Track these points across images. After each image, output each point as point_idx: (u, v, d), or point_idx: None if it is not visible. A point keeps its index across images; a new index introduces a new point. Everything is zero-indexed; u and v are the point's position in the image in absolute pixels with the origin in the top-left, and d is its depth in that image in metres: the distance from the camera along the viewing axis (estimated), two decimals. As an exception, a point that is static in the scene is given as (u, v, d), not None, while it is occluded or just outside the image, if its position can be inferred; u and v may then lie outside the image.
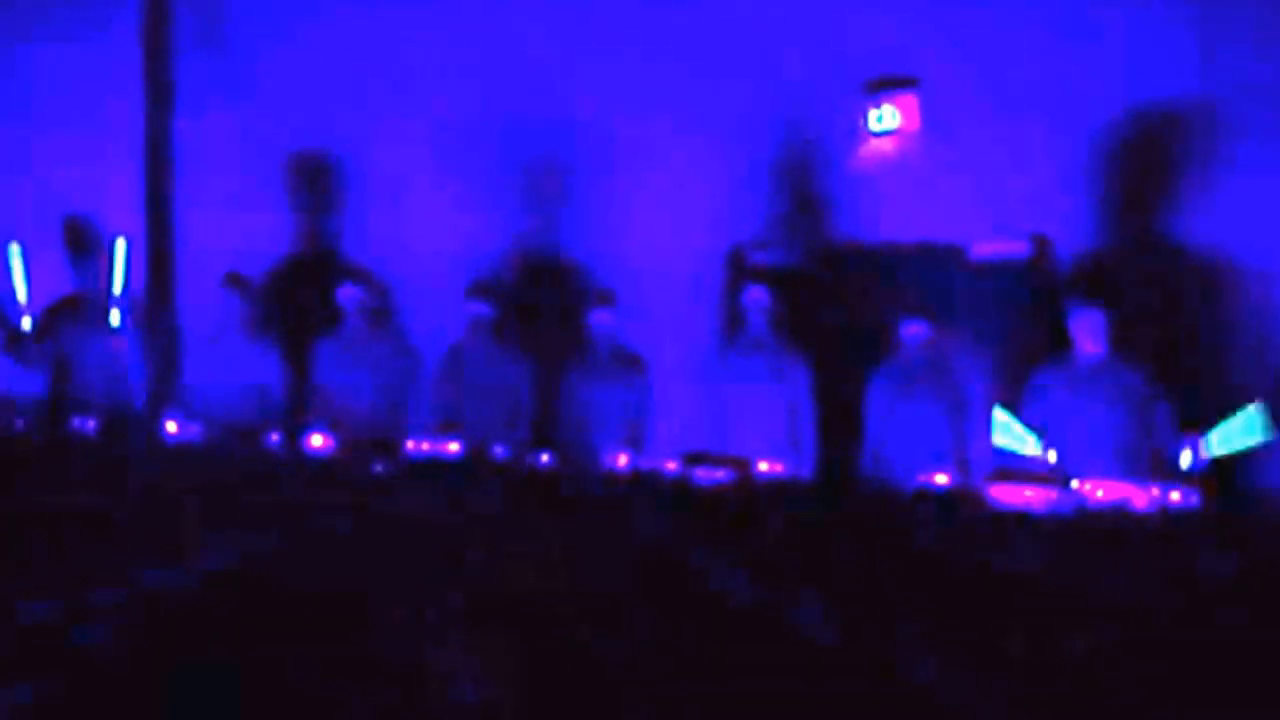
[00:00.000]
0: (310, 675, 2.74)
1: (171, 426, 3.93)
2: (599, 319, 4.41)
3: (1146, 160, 4.44)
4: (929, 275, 4.65)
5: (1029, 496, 3.02)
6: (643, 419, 4.41)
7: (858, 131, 4.80)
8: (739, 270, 4.93)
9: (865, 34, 4.74)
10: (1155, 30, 4.37)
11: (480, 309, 4.51)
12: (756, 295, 4.38)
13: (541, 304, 5.03)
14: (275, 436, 3.88)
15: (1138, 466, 3.60)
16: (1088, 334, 3.84)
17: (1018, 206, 4.60)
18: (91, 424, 3.98)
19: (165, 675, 2.74)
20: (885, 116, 4.73)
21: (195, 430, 3.93)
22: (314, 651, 2.82)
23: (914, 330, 4.12)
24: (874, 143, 4.80)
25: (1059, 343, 3.98)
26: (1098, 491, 3.04)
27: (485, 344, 4.52)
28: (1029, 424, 3.86)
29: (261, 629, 2.98)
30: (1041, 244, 4.58)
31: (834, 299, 4.81)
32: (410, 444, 3.79)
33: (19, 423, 4.05)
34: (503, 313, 4.55)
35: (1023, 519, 2.98)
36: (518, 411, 4.46)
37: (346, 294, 4.49)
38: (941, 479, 3.40)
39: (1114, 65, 4.42)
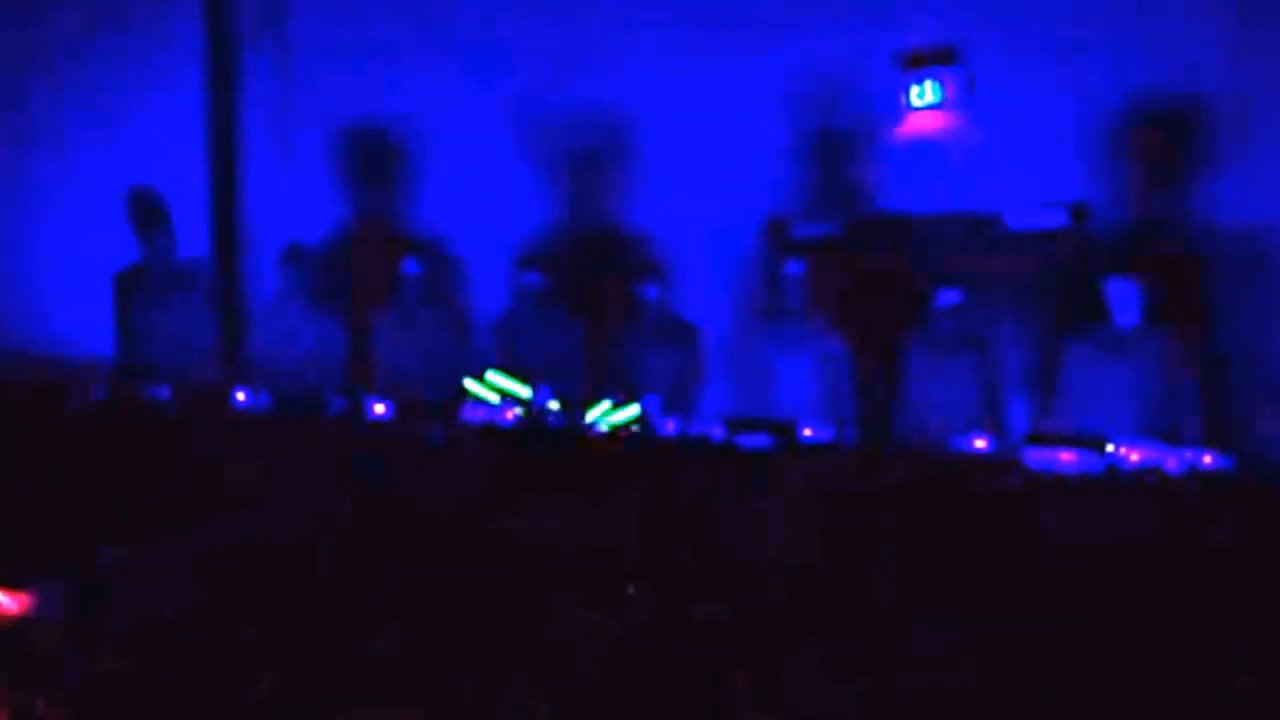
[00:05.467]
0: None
1: (240, 396, 4.12)
2: (650, 290, 4.55)
3: (1181, 132, 4.46)
4: (967, 245, 4.73)
5: (1064, 460, 3.12)
6: (693, 386, 4.55)
7: (897, 105, 4.86)
8: (780, 242, 5.04)
9: (906, 7, 4.79)
10: (1194, 2, 4.39)
11: (532, 279, 4.67)
12: (795, 267, 4.50)
13: (593, 275, 5.16)
14: (337, 403, 4.06)
15: (1168, 431, 3.69)
16: (1123, 302, 3.89)
17: (1055, 177, 4.64)
18: (164, 392, 4.17)
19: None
20: (925, 90, 4.78)
21: (262, 399, 4.12)
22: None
23: (948, 298, 4.20)
24: (913, 116, 4.86)
25: (1094, 310, 4.03)
26: (1132, 455, 3.13)
27: (537, 313, 4.68)
28: (1065, 389, 3.98)
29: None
30: (1078, 214, 4.63)
31: (872, 269, 4.91)
32: (466, 410, 3.96)
33: (95, 390, 4.24)
34: (554, 283, 4.71)
35: (1059, 482, 3.08)
36: (569, 379, 4.60)
37: (408, 267, 4.67)
38: (980, 444, 3.51)
39: (1150, 38, 4.43)
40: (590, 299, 4.94)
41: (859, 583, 2.97)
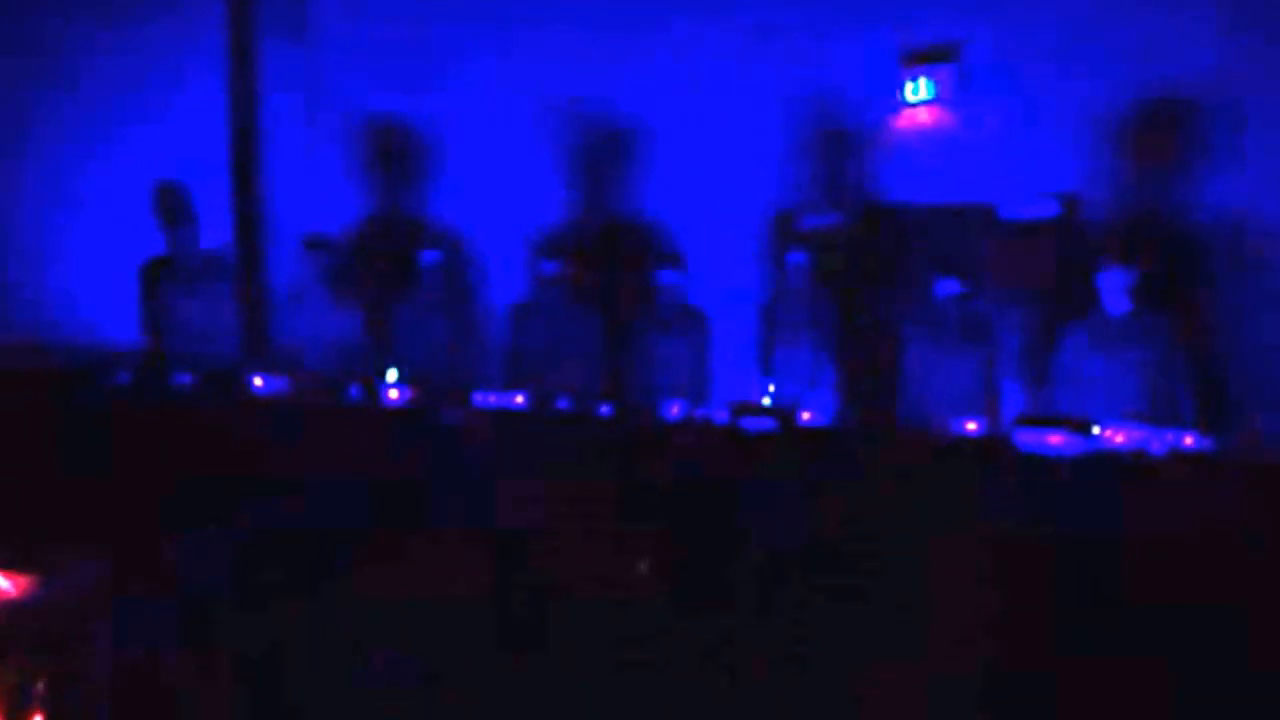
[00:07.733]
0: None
1: (258, 381, 4.26)
2: (665, 278, 4.66)
3: (1174, 123, 4.54)
4: (962, 235, 4.83)
5: (1052, 442, 3.22)
6: (703, 372, 4.67)
7: (894, 100, 4.96)
8: (784, 233, 5.15)
9: (906, 6, 4.89)
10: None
11: (550, 267, 4.79)
12: (798, 257, 4.61)
13: (609, 263, 5.28)
14: (355, 389, 4.18)
15: (1159, 415, 3.78)
16: (1115, 291, 3.98)
17: (1048, 169, 4.74)
18: (188, 379, 4.30)
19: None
20: (918, 86, 4.89)
21: (281, 384, 4.24)
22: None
23: (947, 286, 4.29)
24: (909, 111, 4.97)
25: (1087, 299, 4.11)
26: (1117, 437, 3.24)
27: (555, 301, 4.81)
28: (1059, 377, 4.08)
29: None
30: (1070, 204, 4.72)
31: (873, 258, 5.01)
32: (479, 396, 4.09)
33: (124, 376, 4.38)
34: (571, 271, 4.83)
35: (1046, 462, 3.18)
36: (587, 365, 4.73)
37: (427, 257, 4.79)
38: (971, 426, 3.62)
39: (1144, 30, 4.50)
40: (606, 287, 5.07)
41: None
